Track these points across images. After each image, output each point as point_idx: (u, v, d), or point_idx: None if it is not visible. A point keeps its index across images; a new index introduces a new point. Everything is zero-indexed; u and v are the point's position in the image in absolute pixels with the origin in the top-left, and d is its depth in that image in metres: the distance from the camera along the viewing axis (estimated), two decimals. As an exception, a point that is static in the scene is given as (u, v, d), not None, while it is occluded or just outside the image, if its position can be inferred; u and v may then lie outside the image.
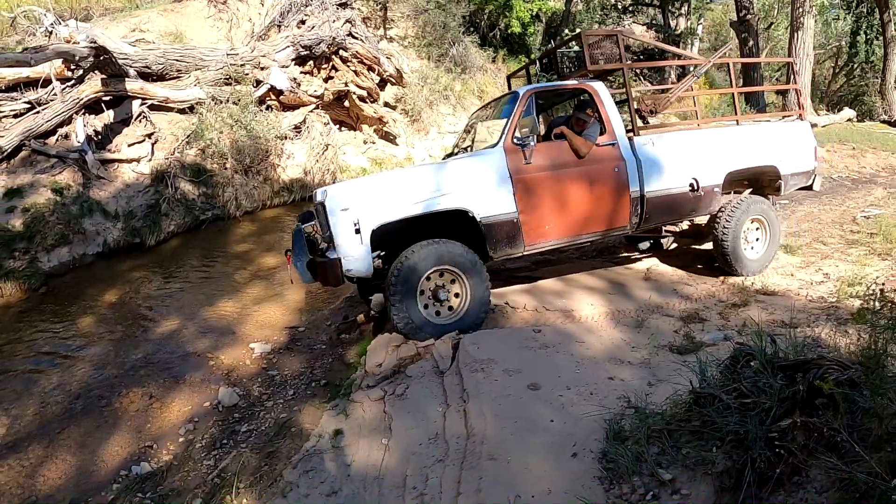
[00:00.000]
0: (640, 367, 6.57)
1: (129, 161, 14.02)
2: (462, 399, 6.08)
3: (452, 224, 7.71)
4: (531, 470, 4.89)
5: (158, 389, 8.44)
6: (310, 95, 16.79)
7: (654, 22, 28.71)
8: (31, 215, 12.12)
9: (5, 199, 12.36)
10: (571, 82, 8.99)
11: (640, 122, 9.26)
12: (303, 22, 17.93)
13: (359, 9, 19.76)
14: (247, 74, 15.94)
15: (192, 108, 15.14)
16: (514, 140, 7.82)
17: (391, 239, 7.67)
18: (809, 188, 10.14)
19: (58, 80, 13.97)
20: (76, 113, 13.93)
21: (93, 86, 14.08)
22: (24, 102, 13.70)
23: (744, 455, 3.99)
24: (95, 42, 14.07)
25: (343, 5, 18.75)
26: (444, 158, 9.20)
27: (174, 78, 15.54)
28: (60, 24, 15.36)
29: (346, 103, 17.52)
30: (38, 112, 13.59)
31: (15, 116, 13.59)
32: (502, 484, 4.79)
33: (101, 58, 13.76)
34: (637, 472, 4.53)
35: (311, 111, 17.02)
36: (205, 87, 15.33)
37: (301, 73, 16.93)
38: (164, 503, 6.52)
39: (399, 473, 5.44)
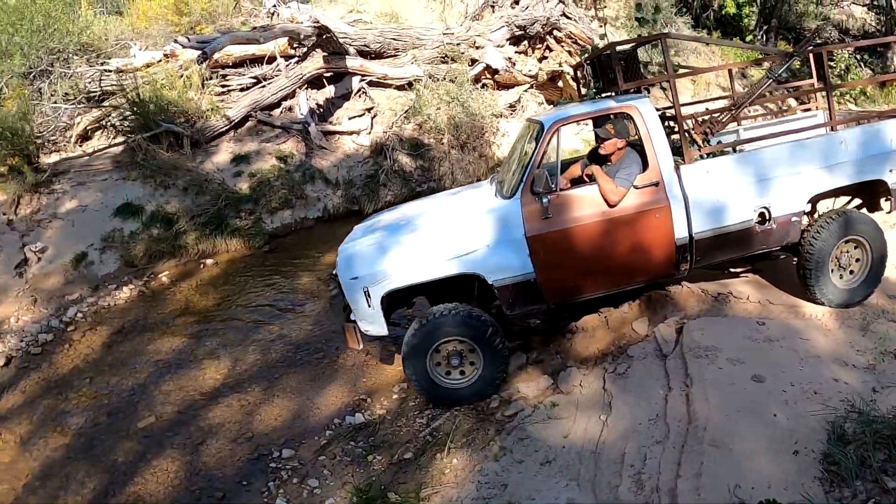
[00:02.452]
0: (866, 371, 6.16)
1: (350, 133, 14.37)
2: (685, 383, 6.01)
3: (471, 280, 6.97)
4: (752, 461, 4.87)
5: (375, 348, 8.54)
6: (524, 75, 16.54)
7: (875, 3, 26.27)
8: (257, 180, 12.71)
9: (233, 164, 13.09)
10: (608, 104, 7.37)
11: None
12: (517, 2, 17.63)
13: (571, -12, 19.30)
14: (462, 53, 15.86)
15: (409, 85, 15.26)
16: (533, 191, 6.74)
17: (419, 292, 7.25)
18: None
19: (281, 56, 14.66)
20: (299, 87, 14.50)
21: (315, 63, 14.58)
22: (251, 77, 14.53)
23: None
24: (318, 22, 14.54)
25: (558, -16, 18.33)
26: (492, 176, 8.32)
27: (392, 56, 15.73)
28: (282, 5, 16.15)
29: (560, 83, 17.13)
30: (263, 86, 14.33)
31: (242, 90, 14.43)
32: (723, 471, 4.80)
33: (324, 36, 14.17)
34: (860, 477, 4.47)
35: (526, 91, 16.74)
36: (422, 65, 15.40)
37: (515, 52, 16.70)
38: (376, 452, 6.71)
39: (617, 450, 5.47)
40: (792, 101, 10.62)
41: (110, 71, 14.29)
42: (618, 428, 5.67)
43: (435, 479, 6.01)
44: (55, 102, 13.59)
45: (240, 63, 14.68)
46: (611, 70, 7.72)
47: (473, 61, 15.94)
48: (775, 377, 5.82)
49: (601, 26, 18.84)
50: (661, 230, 6.89)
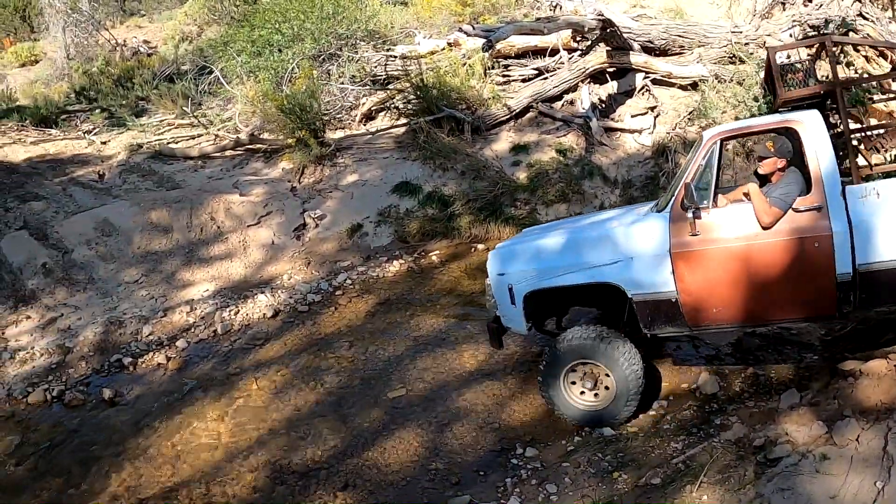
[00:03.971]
0: None
1: (631, 132, 13.78)
2: None
3: (613, 292, 6.76)
4: None
5: None
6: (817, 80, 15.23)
7: None
8: (535, 170, 12.55)
9: (512, 154, 13.10)
10: (772, 118, 6.93)
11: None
12: (809, 0, 16.44)
13: (866, -14, 17.72)
14: (751, 54, 14.80)
15: (694, 85, 14.39)
16: (683, 205, 6.33)
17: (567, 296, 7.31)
18: None
19: (564, 49, 14.49)
20: (581, 81, 14.13)
21: (598, 57, 14.12)
22: (532, 69, 14.51)
23: None
24: (602, 15, 14.07)
25: (852, -19, 16.86)
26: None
27: (676, 54, 14.93)
28: (565, -3, 16.01)
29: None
30: (545, 78, 14.18)
31: (523, 81, 14.45)
32: None
33: (607, 30, 13.68)
34: None
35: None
36: (707, 65, 14.47)
37: (808, 55, 15.39)
38: (622, 470, 6.36)
39: (890, 526, 4.90)
40: None
41: (395, 57, 14.94)
42: (894, 500, 5.03)
43: (681, 512, 5.66)
44: (342, 84, 14.48)
45: (521, 54, 14.72)
46: (796, 77, 7.43)
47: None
48: None
49: None
50: (819, 262, 6.21)
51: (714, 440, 6.39)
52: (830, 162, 6.20)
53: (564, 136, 13.41)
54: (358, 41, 15.22)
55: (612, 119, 13.93)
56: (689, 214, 6.30)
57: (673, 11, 17.01)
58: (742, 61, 14.49)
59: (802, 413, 6.45)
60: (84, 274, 10.24)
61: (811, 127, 6.29)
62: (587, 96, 13.89)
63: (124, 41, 22.54)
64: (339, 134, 13.82)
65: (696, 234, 6.33)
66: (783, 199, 6.20)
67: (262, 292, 10.01)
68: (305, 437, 7.19)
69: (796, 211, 6.17)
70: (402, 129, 13.56)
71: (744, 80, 14.11)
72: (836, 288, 6.21)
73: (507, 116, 13.63)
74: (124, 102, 16.62)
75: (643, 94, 14.41)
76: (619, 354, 6.64)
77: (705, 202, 6.30)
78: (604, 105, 14.14)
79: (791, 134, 6.52)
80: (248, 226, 11.32)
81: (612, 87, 14.41)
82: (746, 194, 6.43)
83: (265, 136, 13.45)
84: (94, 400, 8.19)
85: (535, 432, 7.06)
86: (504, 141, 13.37)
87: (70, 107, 17.09)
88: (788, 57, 7.56)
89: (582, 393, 6.86)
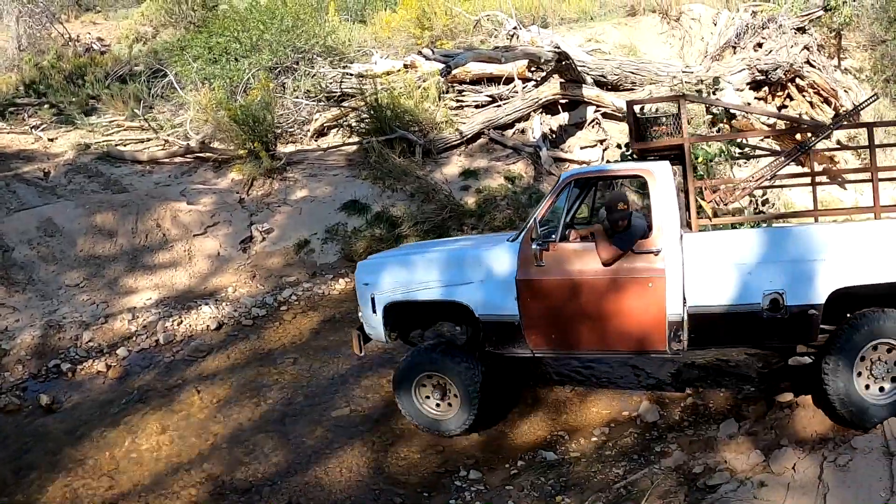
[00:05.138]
0: None
1: (580, 163, 13.93)
2: (909, 490, 5.42)
3: (467, 311, 7.16)
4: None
5: (581, 386, 8.37)
6: (762, 123, 15.63)
7: None
8: (484, 196, 12.68)
9: (461, 178, 13.23)
10: (625, 166, 7.72)
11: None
12: (759, 45, 16.84)
13: (813, 36, 18.29)
14: (700, 94, 15.19)
15: (645, 121, 14.67)
16: (533, 237, 6.73)
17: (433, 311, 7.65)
18: None
19: (519, 78, 14.70)
20: (534, 111, 14.41)
21: (552, 88, 14.41)
22: (486, 95, 14.74)
23: None
24: (558, 47, 14.41)
25: (801, 30, 17.25)
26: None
27: (628, 89, 15.30)
28: (521, 28, 16.30)
29: (798, 136, 16.08)
30: (498, 105, 14.41)
31: (476, 107, 14.65)
32: None
33: (563, 63, 13.94)
34: None
35: (762, 140, 15.81)
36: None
37: (755, 98, 15.84)
38: (565, 494, 6.47)
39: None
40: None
41: (351, 74, 15.06)
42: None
43: (622, 536, 5.75)
44: (297, 98, 14.42)
45: (476, 81, 14.93)
46: (642, 128, 7.56)
47: (710, 103, 15.24)
48: None
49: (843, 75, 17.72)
50: (652, 301, 6.62)
51: (655, 467, 6.56)
52: (672, 210, 6.57)
53: (514, 163, 13.58)
54: (315, 56, 15.23)
55: (562, 149, 14.18)
56: (536, 246, 6.66)
57: (627, 48, 17.34)
58: (691, 101, 14.89)
59: (741, 442, 6.71)
60: (24, 274, 10.01)
61: (659, 177, 6.67)
62: (538, 126, 14.16)
63: (78, 37, 22.05)
64: (290, 148, 13.84)
65: (541, 265, 6.72)
66: (623, 239, 6.59)
67: (207, 304, 9.91)
68: (248, 452, 7.15)
69: (636, 252, 6.55)
70: (354, 148, 13.66)
71: (692, 118, 14.43)
72: (667, 326, 6.58)
73: (459, 141, 13.79)
74: (74, 100, 16.23)
75: (593, 126, 14.70)
76: (461, 369, 7.06)
77: (553, 236, 6.74)
78: (554, 135, 14.41)
79: (641, 181, 7.04)
80: (195, 235, 11.21)
81: (563, 118, 14.72)
82: (593, 233, 6.84)
83: (216, 145, 13.35)
84: (30, 406, 8.03)
85: (478, 455, 7.16)
86: (454, 165, 13.50)
87: (18, 99, 16.71)
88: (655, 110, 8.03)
89: (427, 398, 7.30)
